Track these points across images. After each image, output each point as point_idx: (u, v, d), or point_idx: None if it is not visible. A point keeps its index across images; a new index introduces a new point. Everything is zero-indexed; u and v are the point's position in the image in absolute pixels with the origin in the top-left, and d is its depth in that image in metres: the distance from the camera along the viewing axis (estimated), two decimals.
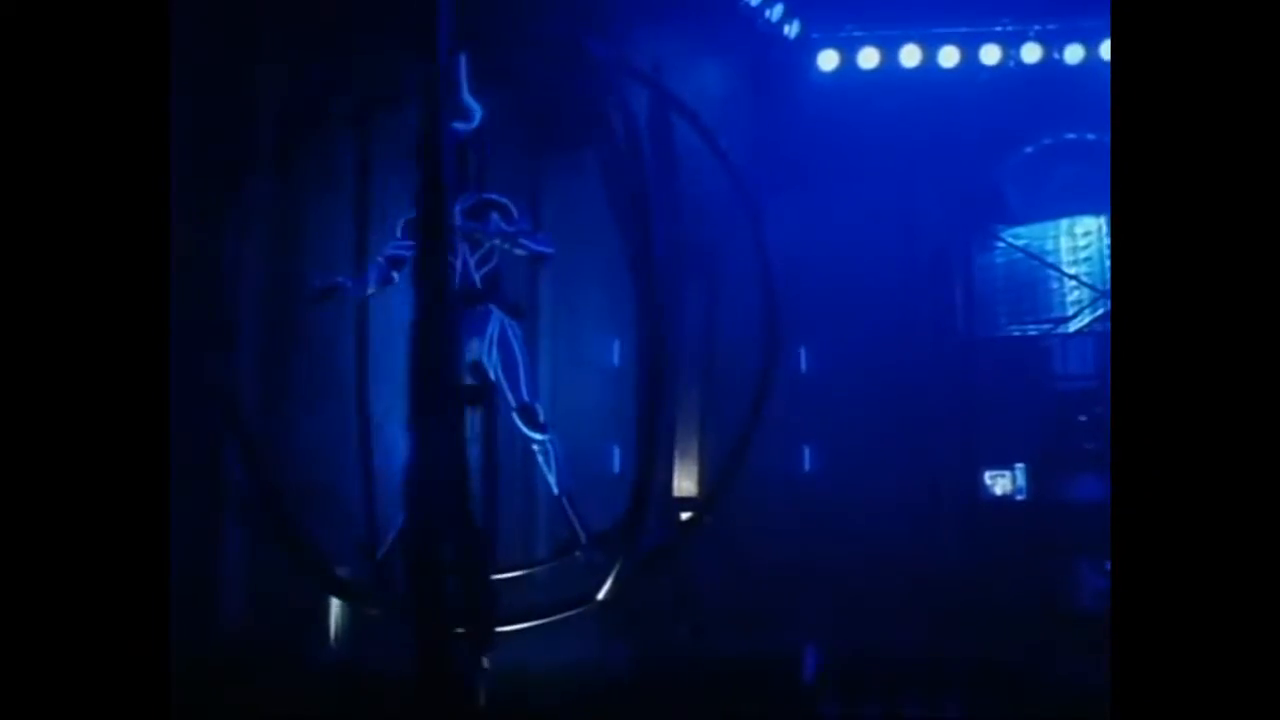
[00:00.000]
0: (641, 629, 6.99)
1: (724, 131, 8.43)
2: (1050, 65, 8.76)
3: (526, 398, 6.41)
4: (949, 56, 8.85)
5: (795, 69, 8.94)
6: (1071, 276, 8.03)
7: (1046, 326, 8.16)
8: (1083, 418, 7.99)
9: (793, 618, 7.67)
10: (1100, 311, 8.01)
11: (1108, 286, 7.99)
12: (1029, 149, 8.49)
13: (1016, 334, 8.25)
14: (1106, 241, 8.06)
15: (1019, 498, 7.91)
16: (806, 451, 8.75)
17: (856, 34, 8.92)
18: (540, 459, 6.40)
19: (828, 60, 8.93)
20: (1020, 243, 8.30)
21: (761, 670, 6.65)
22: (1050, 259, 8.18)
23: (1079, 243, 8.14)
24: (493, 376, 6.29)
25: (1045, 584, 7.59)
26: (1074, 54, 8.76)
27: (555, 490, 6.33)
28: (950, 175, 8.70)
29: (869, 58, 8.91)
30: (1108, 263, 8.12)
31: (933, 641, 7.50)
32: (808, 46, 8.95)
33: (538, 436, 6.39)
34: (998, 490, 7.94)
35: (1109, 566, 7.58)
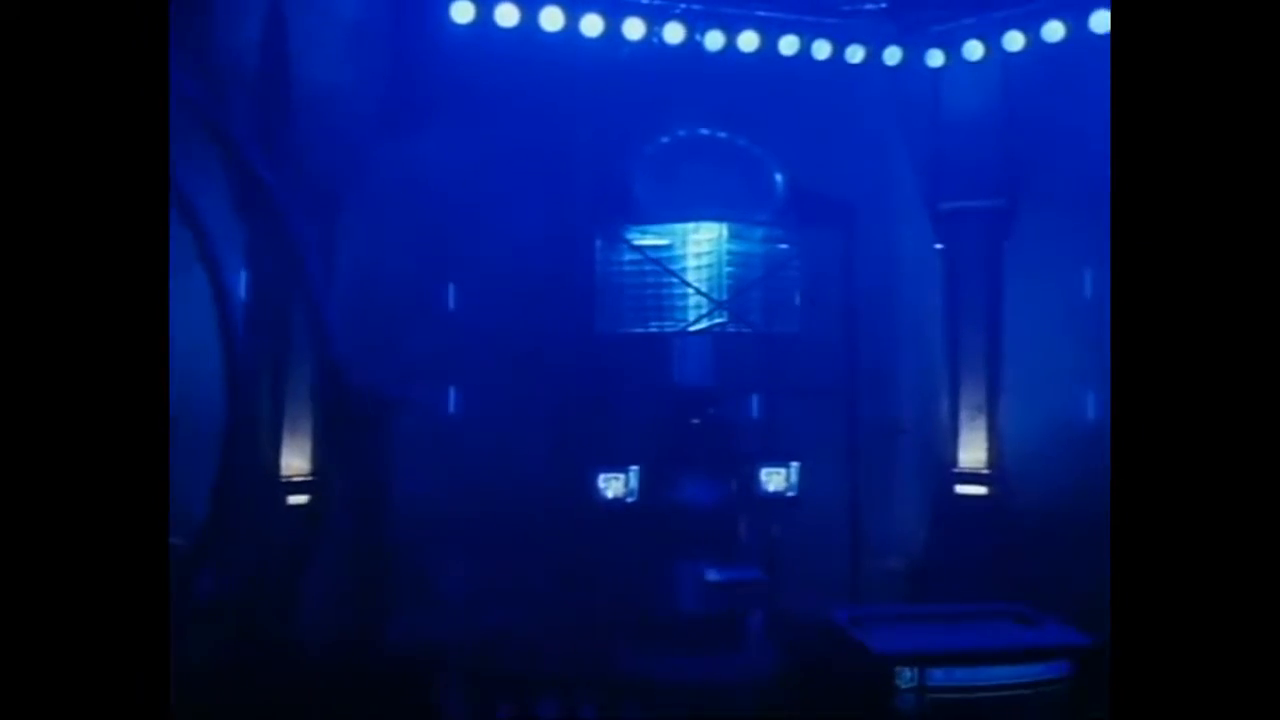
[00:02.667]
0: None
1: (351, 73, 7.60)
2: (692, 49, 8.44)
3: None
4: (592, 25, 8.27)
5: (426, 18, 8.01)
6: (685, 282, 7.95)
7: (668, 327, 8.11)
8: (696, 421, 8.19)
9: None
10: (719, 319, 8.06)
11: (724, 295, 8.04)
12: (664, 139, 8.22)
13: (639, 332, 8.17)
14: (725, 248, 8.04)
15: (630, 500, 8.01)
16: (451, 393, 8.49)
17: None
18: None
19: (462, 12, 8.02)
20: (647, 240, 8.11)
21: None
22: (675, 261, 8.07)
23: (701, 248, 8.07)
24: None
25: (648, 587, 7.87)
26: (714, 40, 8.51)
27: None
28: (583, 158, 8.33)
29: (507, 15, 8.10)
30: (726, 269, 8.14)
31: (546, 639, 7.76)
32: None
33: None
34: (610, 493, 7.98)
35: (708, 575, 8.09)
